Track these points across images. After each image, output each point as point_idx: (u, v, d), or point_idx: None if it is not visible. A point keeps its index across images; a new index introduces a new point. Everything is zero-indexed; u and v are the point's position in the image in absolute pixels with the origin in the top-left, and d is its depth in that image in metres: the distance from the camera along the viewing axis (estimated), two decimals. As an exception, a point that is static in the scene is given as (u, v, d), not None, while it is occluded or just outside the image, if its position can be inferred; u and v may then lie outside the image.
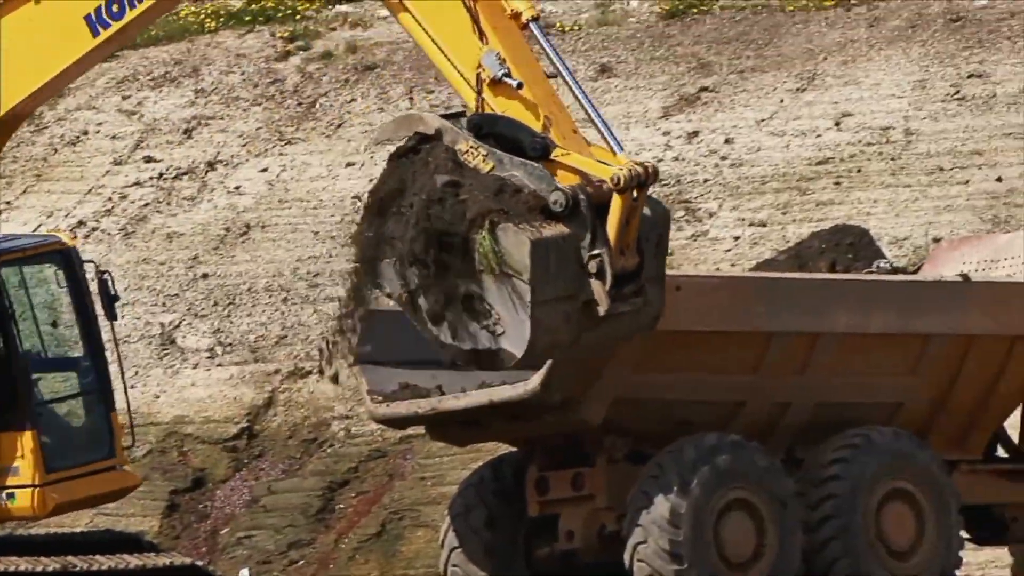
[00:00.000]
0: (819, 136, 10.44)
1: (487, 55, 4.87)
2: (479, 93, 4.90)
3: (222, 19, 14.12)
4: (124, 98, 13.19)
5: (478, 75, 4.88)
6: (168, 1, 5.94)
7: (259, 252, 11.59)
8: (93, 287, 6.72)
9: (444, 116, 5.11)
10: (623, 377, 4.91)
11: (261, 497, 9.83)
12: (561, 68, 5.25)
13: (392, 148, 5.02)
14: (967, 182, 9.61)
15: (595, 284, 4.53)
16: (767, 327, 5.00)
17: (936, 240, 8.60)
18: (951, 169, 9.76)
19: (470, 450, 6.74)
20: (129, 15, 5.19)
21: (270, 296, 11.29)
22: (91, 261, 6.83)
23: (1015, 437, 5.68)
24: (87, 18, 5.16)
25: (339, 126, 12.54)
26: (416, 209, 4.66)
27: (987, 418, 5.38)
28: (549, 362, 4.75)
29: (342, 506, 9.85)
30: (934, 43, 10.51)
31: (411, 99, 12.22)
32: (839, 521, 5.22)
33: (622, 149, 4.94)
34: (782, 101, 11.16)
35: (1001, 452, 5.84)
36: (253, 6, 14.44)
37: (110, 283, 6.69)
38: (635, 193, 4.69)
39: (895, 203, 9.58)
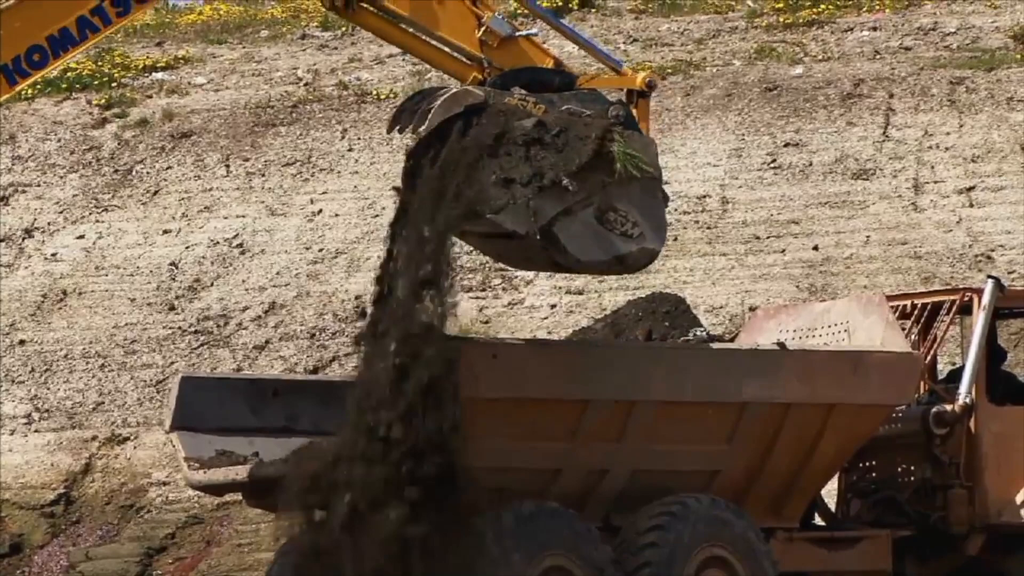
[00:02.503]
0: (635, 204, 10.57)
1: (495, 20, 5.13)
2: (484, 62, 5.11)
3: (39, 86, 14.03)
4: (-62, 166, 12.91)
5: (483, 42, 5.10)
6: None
7: (76, 319, 11.74)
8: None
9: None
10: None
11: (79, 563, 9.79)
12: (546, 15, 6.05)
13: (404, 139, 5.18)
14: (783, 251, 9.65)
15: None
16: (583, 395, 4.98)
17: (752, 308, 8.54)
18: (767, 238, 9.79)
19: None
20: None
21: (87, 363, 11.46)
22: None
23: (832, 505, 5.61)
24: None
25: (155, 193, 12.71)
26: (524, 147, 4.81)
27: (804, 486, 5.28)
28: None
29: (159, 572, 9.73)
30: (750, 112, 10.68)
31: (227, 166, 12.26)
32: None
33: (622, 66, 5.44)
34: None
35: (819, 520, 5.73)
36: (69, 73, 14.51)
37: None
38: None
39: (711, 271, 9.54)
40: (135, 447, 9.88)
